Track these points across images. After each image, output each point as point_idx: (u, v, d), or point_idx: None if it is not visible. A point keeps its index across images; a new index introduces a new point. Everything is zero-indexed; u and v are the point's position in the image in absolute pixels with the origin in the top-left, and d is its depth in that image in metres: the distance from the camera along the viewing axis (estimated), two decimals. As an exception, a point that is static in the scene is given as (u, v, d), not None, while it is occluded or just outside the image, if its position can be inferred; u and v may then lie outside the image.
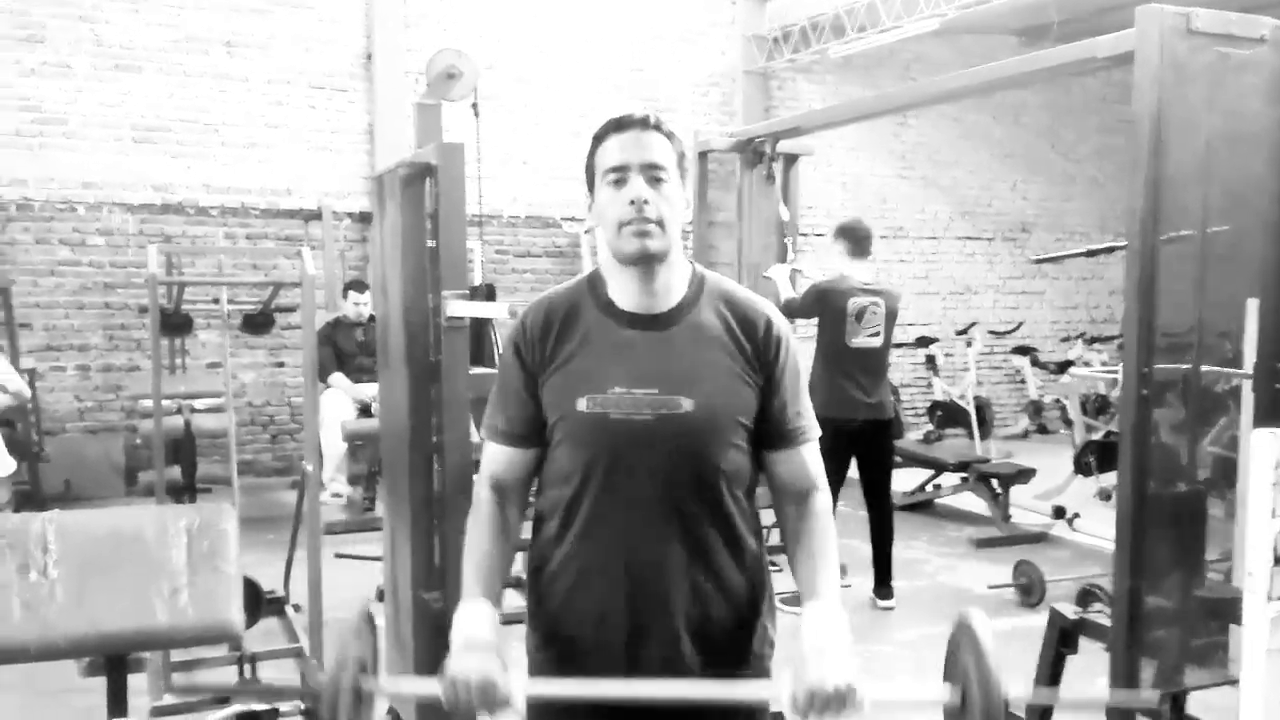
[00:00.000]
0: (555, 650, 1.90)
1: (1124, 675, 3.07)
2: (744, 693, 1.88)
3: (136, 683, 2.99)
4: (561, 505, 1.86)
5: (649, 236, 1.78)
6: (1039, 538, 6.70)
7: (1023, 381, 11.23)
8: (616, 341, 1.84)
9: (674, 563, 1.81)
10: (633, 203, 1.77)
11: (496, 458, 1.92)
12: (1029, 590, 5.45)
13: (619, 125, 1.84)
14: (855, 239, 5.38)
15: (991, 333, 11.09)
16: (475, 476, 1.98)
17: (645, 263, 1.81)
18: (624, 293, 1.86)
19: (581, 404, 1.81)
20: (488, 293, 7.33)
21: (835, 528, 1.89)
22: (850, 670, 1.62)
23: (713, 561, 1.84)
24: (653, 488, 1.80)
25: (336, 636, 1.71)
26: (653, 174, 1.80)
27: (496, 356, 5.60)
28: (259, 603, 4.14)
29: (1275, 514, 1.87)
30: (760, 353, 1.86)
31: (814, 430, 1.92)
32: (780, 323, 1.91)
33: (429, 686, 1.70)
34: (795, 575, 1.85)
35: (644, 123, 1.83)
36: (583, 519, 1.84)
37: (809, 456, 1.90)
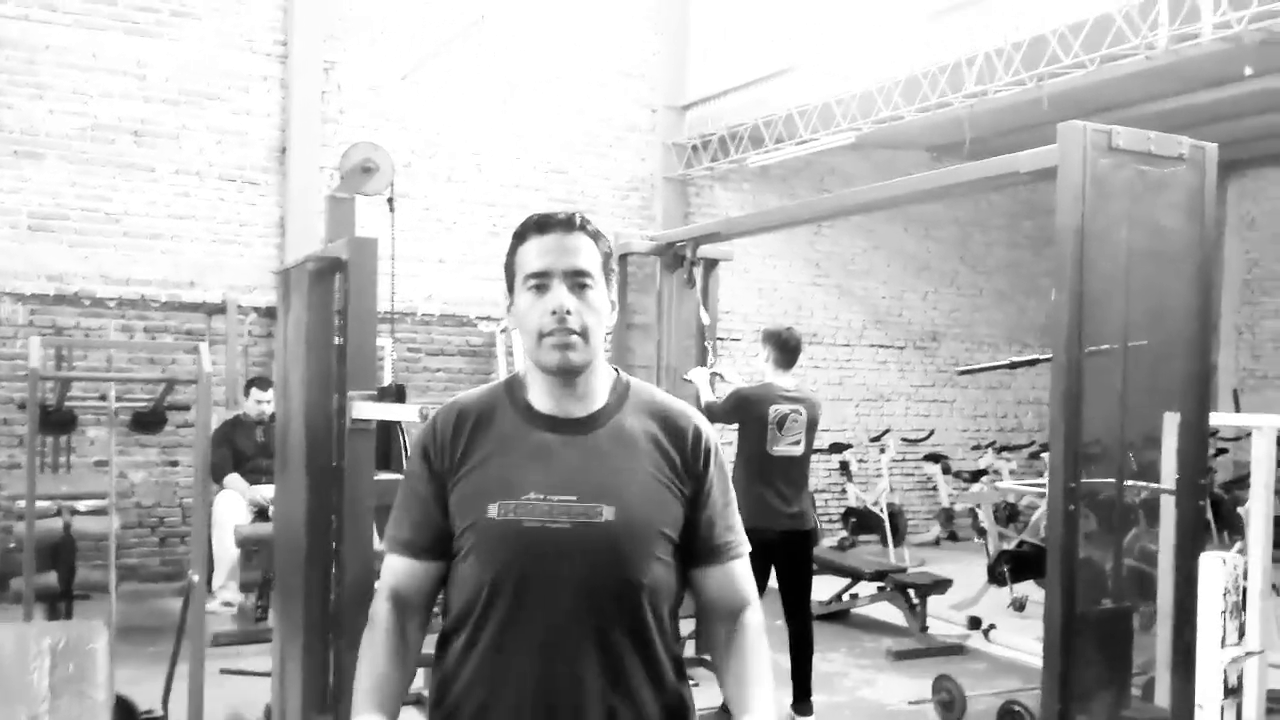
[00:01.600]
0: None
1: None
2: None
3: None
4: (470, 620, 1.70)
5: (571, 349, 1.69)
6: (956, 649, 6.62)
7: (935, 489, 11.30)
8: (533, 445, 1.72)
9: (589, 684, 1.66)
10: (554, 313, 1.68)
11: (397, 570, 1.78)
12: (950, 706, 5.33)
13: (541, 226, 1.73)
14: (786, 350, 5.27)
15: (904, 440, 11.17)
16: (376, 585, 1.82)
17: (566, 375, 1.71)
18: (544, 396, 1.75)
19: (493, 510, 1.67)
20: (397, 393, 7.09)
21: (767, 642, 1.78)
22: None
23: (630, 684, 1.69)
24: (568, 601, 1.66)
25: None
26: (577, 280, 1.70)
27: (405, 461, 5.37)
28: (133, 726, 3.81)
29: (1224, 643, 1.78)
30: (688, 463, 1.76)
31: (744, 545, 1.82)
32: (709, 432, 1.82)
33: None
34: (726, 695, 1.73)
35: (568, 224, 1.72)
36: (492, 634, 1.69)
37: (740, 572, 1.80)
